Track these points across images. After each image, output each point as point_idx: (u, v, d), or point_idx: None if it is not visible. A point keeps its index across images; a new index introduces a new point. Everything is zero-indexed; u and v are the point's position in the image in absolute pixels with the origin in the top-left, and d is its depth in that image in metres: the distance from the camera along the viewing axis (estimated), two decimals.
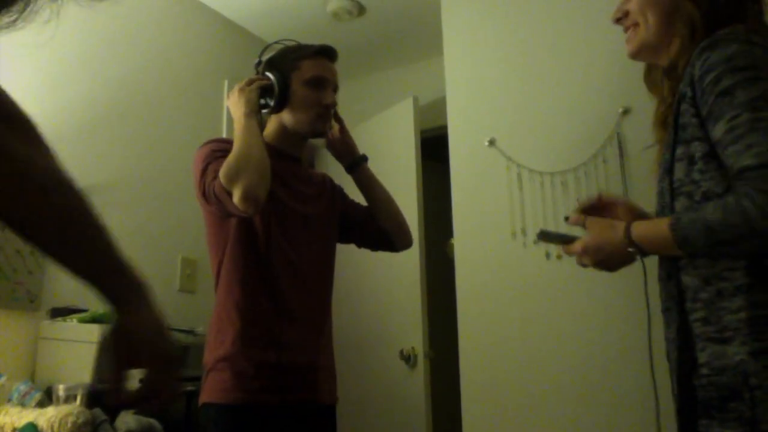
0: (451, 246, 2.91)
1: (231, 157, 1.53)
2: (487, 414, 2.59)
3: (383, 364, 3.26)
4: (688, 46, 1.24)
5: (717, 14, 1.22)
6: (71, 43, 2.68)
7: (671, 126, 1.23)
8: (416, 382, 3.08)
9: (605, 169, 2.54)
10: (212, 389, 1.56)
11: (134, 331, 0.78)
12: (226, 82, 3.44)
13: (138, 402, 0.81)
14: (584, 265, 1.31)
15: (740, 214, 1.03)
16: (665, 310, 1.26)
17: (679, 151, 1.19)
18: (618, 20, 1.39)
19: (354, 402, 3.27)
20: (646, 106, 2.57)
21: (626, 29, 1.37)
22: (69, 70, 2.65)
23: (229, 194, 1.49)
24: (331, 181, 1.92)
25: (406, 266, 3.17)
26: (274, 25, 3.57)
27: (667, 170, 1.22)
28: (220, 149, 1.62)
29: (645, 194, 2.44)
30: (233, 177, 1.49)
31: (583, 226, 1.31)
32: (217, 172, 1.53)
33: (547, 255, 2.57)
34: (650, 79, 1.41)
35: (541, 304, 2.56)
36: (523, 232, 2.63)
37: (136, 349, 0.79)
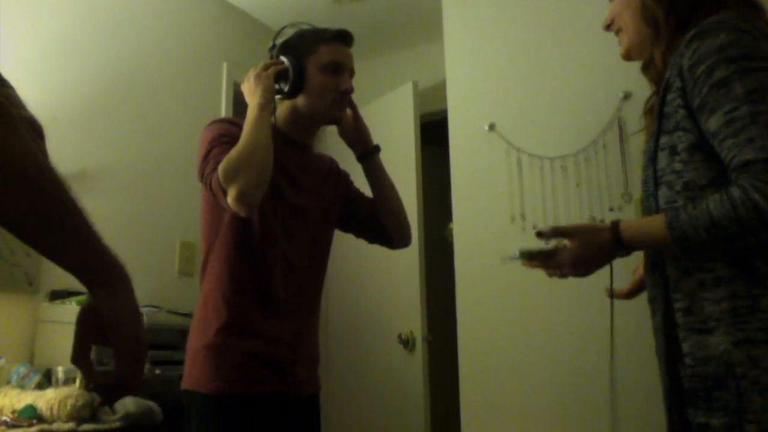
0: (451, 230, 2.91)
1: (233, 154, 1.48)
2: (485, 397, 2.60)
3: (382, 347, 3.27)
4: (655, 42, 1.28)
5: (685, 6, 1.23)
6: (69, 26, 2.67)
7: (656, 115, 1.23)
8: (414, 366, 3.09)
9: (605, 154, 2.53)
10: (193, 377, 1.55)
11: (104, 313, 0.78)
12: (225, 66, 3.41)
13: (107, 387, 0.81)
14: (563, 276, 1.32)
15: (752, 209, 1.04)
16: (651, 299, 1.27)
17: (663, 140, 1.20)
18: (607, 27, 1.42)
19: (352, 385, 3.29)
20: (646, 91, 2.55)
21: (616, 34, 1.42)
22: (66, 53, 2.64)
23: (224, 191, 1.46)
24: (337, 166, 1.87)
25: (405, 250, 3.14)
26: (273, 9, 3.54)
27: (651, 159, 1.23)
28: (227, 133, 1.58)
29: None
30: (231, 176, 1.45)
31: (561, 235, 1.31)
32: (218, 162, 1.49)
33: (546, 241, 2.56)
34: (648, 72, 1.42)
35: (540, 289, 2.56)
36: (523, 217, 2.63)
37: (104, 329, 0.78)
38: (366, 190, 1.86)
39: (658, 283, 1.22)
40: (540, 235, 1.34)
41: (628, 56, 1.40)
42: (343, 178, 1.86)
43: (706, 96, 1.12)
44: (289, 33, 1.74)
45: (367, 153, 1.79)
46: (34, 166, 0.71)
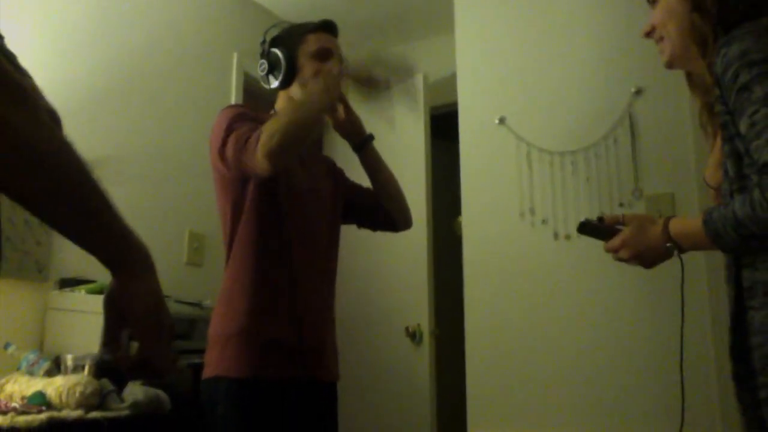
0: (459, 224, 2.90)
1: (292, 115, 1.57)
2: (492, 392, 2.60)
3: (389, 340, 3.27)
4: (701, 57, 1.28)
5: (731, 19, 1.22)
6: (80, 15, 2.66)
7: (719, 127, 1.24)
8: (422, 359, 3.10)
9: (616, 149, 2.52)
10: (222, 363, 1.57)
11: (126, 297, 0.78)
12: (235, 56, 3.41)
13: (132, 368, 0.82)
14: (622, 260, 1.33)
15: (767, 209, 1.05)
16: (737, 312, 1.20)
17: (726, 149, 1.20)
18: (647, 34, 1.42)
19: (359, 378, 3.29)
20: (658, 87, 2.55)
21: (657, 42, 1.41)
22: (76, 42, 2.63)
23: (256, 144, 1.50)
24: (333, 161, 1.96)
25: (413, 244, 3.17)
26: None
27: (725, 171, 1.22)
28: (245, 114, 1.64)
29: (655, 176, 2.43)
30: (281, 133, 1.50)
31: (621, 222, 1.35)
32: (245, 133, 1.54)
33: (555, 235, 2.56)
34: (692, 83, 1.42)
35: (548, 284, 2.56)
36: (532, 211, 2.62)
37: (127, 314, 0.79)
38: (362, 182, 1.93)
39: (731, 297, 1.20)
40: (601, 220, 1.39)
41: (670, 66, 1.41)
42: (339, 171, 1.95)
43: (734, 102, 1.14)
44: (275, 31, 1.86)
45: (363, 142, 1.86)
46: (58, 151, 0.72)
